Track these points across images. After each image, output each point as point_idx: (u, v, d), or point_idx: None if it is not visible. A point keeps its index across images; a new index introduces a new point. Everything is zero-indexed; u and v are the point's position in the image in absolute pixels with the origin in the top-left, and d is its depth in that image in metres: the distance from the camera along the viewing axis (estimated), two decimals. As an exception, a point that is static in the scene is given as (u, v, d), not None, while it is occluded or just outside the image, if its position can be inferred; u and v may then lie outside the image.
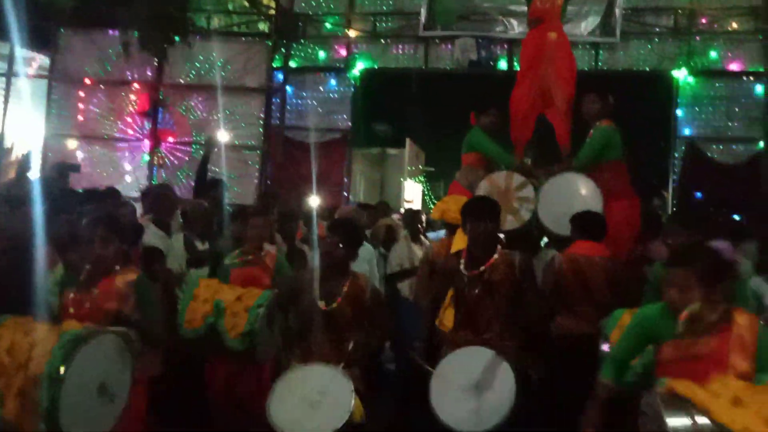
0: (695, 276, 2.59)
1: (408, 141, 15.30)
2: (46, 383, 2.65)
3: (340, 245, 3.48)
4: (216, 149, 8.00)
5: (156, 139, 9.81)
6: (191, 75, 9.80)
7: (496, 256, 3.58)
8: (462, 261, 3.66)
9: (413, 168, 17.13)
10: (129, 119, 9.89)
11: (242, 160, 9.63)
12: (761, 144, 8.42)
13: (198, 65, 9.74)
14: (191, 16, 8.71)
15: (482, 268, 3.57)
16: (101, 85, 9.94)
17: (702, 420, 2.24)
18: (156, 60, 9.44)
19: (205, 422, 3.97)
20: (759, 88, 8.53)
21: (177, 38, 8.23)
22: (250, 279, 4.07)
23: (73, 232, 3.60)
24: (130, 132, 9.91)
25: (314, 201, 7.93)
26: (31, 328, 2.91)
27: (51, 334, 2.82)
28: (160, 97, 9.79)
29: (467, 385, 3.21)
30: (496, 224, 3.71)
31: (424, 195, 20.65)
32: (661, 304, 2.78)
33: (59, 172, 6.99)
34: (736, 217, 7.30)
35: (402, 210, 8.38)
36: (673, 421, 2.27)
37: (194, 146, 9.73)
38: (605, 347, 3.43)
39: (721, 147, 8.70)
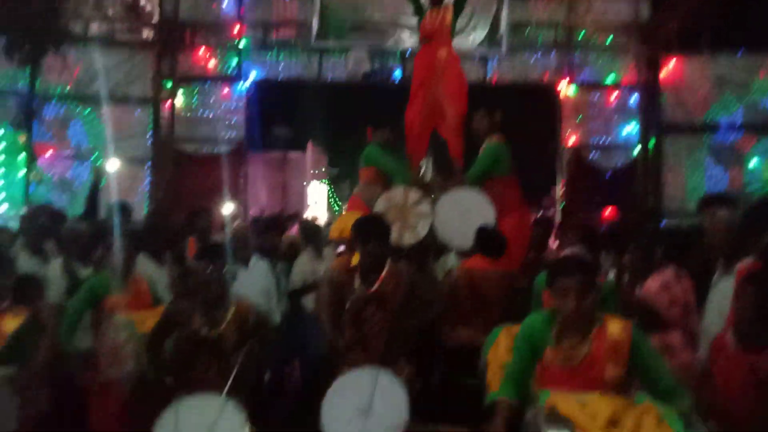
0: (572, 285, 2.67)
1: (309, 144, 15.02)
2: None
3: (213, 270, 3.38)
4: (105, 176, 7.58)
5: (31, 153, 9.09)
6: (70, 85, 9.15)
7: (385, 271, 3.66)
8: (357, 277, 3.71)
9: (316, 171, 16.90)
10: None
11: (129, 175, 9.10)
12: (635, 151, 9.03)
13: (79, 74, 9.12)
14: (65, 24, 8.10)
15: (375, 286, 3.62)
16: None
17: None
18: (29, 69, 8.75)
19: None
20: (632, 99, 9.15)
21: (51, 47, 7.64)
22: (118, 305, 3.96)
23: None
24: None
25: (208, 215, 7.60)
26: None
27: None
28: (34, 108, 9.07)
29: (359, 408, 3.18)
30: (385, 243, 3.77)
31: (329, 197, 20.50)
32: (544, 313, 2.86)
33: None
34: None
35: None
36: None
37: (77, 160, 9.12)
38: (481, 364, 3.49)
39: (601, 154, 9.26)
